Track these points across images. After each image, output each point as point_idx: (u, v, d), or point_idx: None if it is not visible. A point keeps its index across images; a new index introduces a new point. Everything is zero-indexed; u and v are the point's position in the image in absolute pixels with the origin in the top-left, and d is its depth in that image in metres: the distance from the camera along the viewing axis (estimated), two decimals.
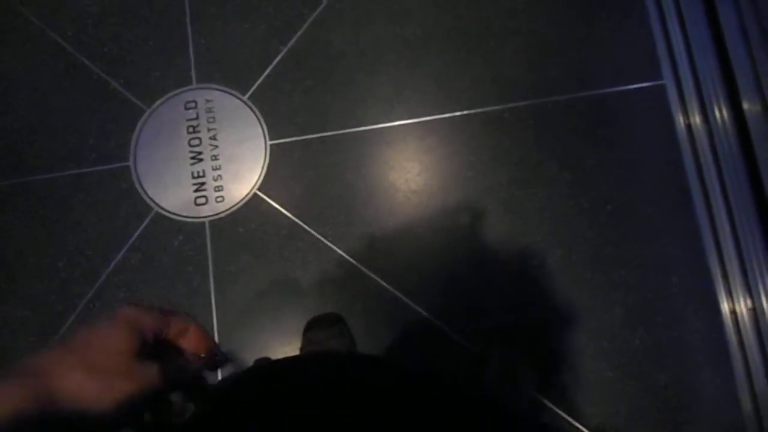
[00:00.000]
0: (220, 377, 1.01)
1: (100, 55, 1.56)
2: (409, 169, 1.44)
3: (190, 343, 0.44)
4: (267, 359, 0.93)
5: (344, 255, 1.40)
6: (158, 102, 1.52)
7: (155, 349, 0.41)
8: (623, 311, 1.33)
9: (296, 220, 1.43)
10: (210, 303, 1.41)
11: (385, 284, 1.38)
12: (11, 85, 1.58)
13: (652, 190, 1.38)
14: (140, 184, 1.48)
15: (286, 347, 1.37)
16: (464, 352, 1.33)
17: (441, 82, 1.47)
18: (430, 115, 1.45)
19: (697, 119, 1.40)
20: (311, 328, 1.30)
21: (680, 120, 1.41)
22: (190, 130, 1.50)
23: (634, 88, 1.43)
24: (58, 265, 1.47)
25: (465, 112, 1.45)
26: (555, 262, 1.36)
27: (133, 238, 1.46)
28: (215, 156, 1.48)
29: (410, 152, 1.45)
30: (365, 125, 1.46)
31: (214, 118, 1.50)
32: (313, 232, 1.42)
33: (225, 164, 1.48)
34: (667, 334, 1.32)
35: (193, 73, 1.53)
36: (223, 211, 1.45)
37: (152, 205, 1.47)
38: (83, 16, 1.59)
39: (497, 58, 1.48)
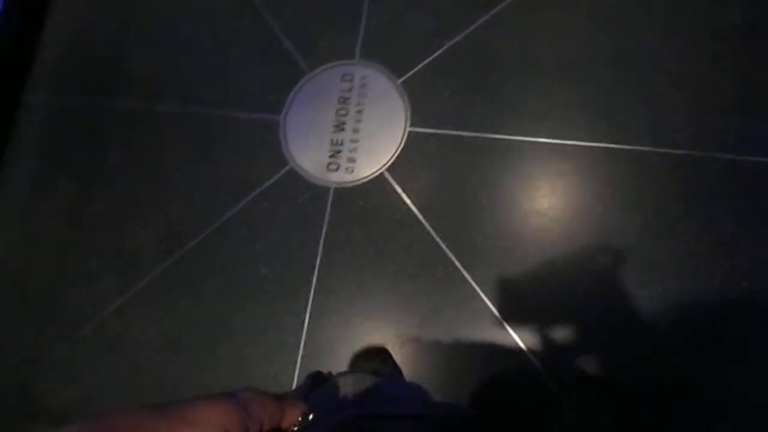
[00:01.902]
0: None
1: (281, 16, 1.74)
2: (537, 188, 1.46)
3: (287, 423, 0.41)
4: (318, 374, 1.02)
5: (449, 254, 1.46)
6: (320, 68, 1.68)
7: None
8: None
9: (413, 208, 1.51)
10: (315, 263, 1.53)
11: (483, 296, 1.42)
12: (196, 28, 1.80)
13: None
14: (284, 139, 1.64)
15: (368, 323, 1.46)
16: (540, 388, 1.33)
17: (592, 111, 1.48)
18: (572, 140, 1.47)
19: None
20: (357, 360, 1.37)
21: None
22: (341, 100, 1.63)
23: None
24: (194, 193, 1.66)
25: (610, 145, 1.45)
26: (670, 322, 1.32)
27: (265, 186, 1.62)
28: (356, 129, 1.61)
29: (543, 172, 1.47)
30: (504, 134, 1.51)
31: (365, 94, 1.62)
32: (425, 224, 1.49)
33: (363, 139, 1.59)
34: None
35: (357, 49, 1.67)
36: (350, 182, 1.57)
37: (289, 160, 1.62)
38: None
39: (658, 99, 1.45)
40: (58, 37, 1.90)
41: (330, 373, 0.92)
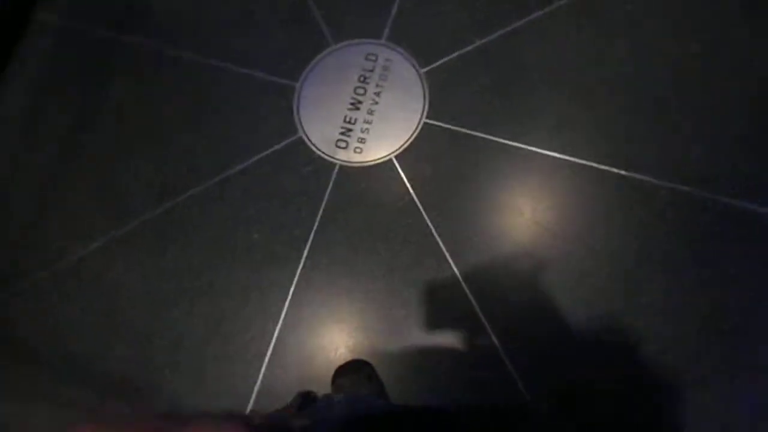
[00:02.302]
0: None
1: None
2: (540, 200, 1.48)
3: None
4: (308, 393, 1.02)
5: (444, 251, 1.47)
6: (344, 43, 1.66)
7: None
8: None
9: (415, 198, 1.51)
10: (308, 237, 1.53)
11: (470, 295, 1.43)
12: None
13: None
14: (297, 107, 1.63)
15: (353, 305, 1.46)
16: (515, 394, 1.36)
17: (609, 134, 1.50)
18: (584, 159, 1.49)
19: None
20: (339, 375, 1.38)
21: None
22: (361, 79, 1.62)
23: None
24: (196, 146, 1.64)
25: (620, 171, 1.47)
26: (652, 352, 1.35)
27: (270, 151, 1.61)
28: (371, 111, 1.60)
29: (548, 185, 1.49)
30: (518, 142, 1.52)
31: (386, 76, 1.62)
32: (425, 216, 1.50)
33: (377, 122, 1.59)
34: None
35: (386, 31, 1.66)
36: (357, 162, 1.56)
37: (299, 128, 1.61)
38: None
39: (677, 134, 1.48)
40: None
41: (322, 395, 0.94)
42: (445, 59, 1.60)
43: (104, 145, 1.65)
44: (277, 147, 1.60)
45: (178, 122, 1.65)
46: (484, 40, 1.60)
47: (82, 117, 1.69)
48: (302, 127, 1.60)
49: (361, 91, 1.60)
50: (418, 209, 1.50)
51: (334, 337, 1.43)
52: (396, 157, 1.55)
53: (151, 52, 1.71)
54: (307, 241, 1.52)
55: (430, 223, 1.49)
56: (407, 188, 1.52)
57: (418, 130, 1.55)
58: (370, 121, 1.58)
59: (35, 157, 1.67)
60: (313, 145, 1.58)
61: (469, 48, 1.60)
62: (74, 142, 1.67)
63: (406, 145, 1.55)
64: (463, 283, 1.42)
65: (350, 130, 1.58)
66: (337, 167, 1.56)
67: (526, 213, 1.47)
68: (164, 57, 1.70)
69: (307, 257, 1.51)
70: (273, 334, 1.44)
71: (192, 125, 1.64)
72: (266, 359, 1.42)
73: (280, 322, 1.45)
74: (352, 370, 1.36)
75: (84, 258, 1.57)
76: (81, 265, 1.57)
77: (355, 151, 1.56)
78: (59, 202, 1.62)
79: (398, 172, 1.54)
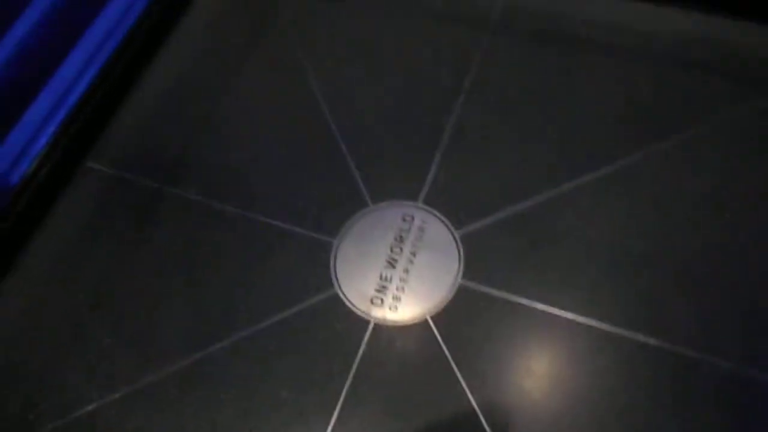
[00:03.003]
0: None
1: (356, 148, 1.85)
2: (577, 368, 1.49)
3: None
4: None
5: (481, 417, 1.45)
6: (383, 203, 1.76)
7: None
8: None
9: (451, 362, 1.51)
10: (339, 397, 1.51)
11: None
12: (272, 135, 1.93)
13: None
14: (333, 262, 1.68)
15: None
16: None
17: (646, 305, 1.58)
18: (621, 328, 1.53)
19: None
20: None
21: None
22: (397, 238, 1.69)
23: None
24: (231, 296, 1.67)
25: (659, 343, 1.49)
26: None
27: (305, 305, 1.63)
28: (407, 270, 1.65)
29: (586, 355, 1.54)
30: (553, 307, 1.57)
31: (421, 237, 1.69)
32: (462, 380, 1.49)
33: (412, 281, 1.63)
34: None
35: (422, 194, 1.76)
36: (392, 321, 1.58)
37: (335, 284, 1.65)
38: (355, 112, 1.93)
39: (717, 307, 1.52)
40: (135, 112, 2.00)
41: None
42: (480, 223, 1.68)
43: (140, 292, 1.67)
44: (311, 301, 1.63)
45: (214, 272, 1.69)
46: (518, 207, 1.69)
47: (119, 261, 1.73)
48: (338, 282, 1.64)
49: (398, 250, 1.66)
50: (454, 372, 1.50)
51: None
52: (431, 317, 1.57)
53: (194, 204, 1.79)
54: (338, 400, 1.49)
55: (466, 388, 1.47)
56: (442, 349, 1.52)
57: (454, 292, 1.59)
58: (406, 280, 1.62)
59: (66, 294, 1.68)
60: (348, 301, 1.61)
61: (503, 214, 1.68)
62: (111, 285, 1.69)
63: (442, 306, 1.58)
64: None
65: (385, 287, 1.62)
66: (371, 324, 1.58)
67: (568, 381, 1.46)
68: (206, 208, 1.78)
69: (337, 418, 1.48)
70: None
71: (229, 276, 1.68)
72: None
73: None
74: None
75: (101, 408, 1.53)
76: (97, 415, 1.52)
77: (390, 309, 1.59)
78: (87, 344, 1.61)
79: (433, 333, 1.55)
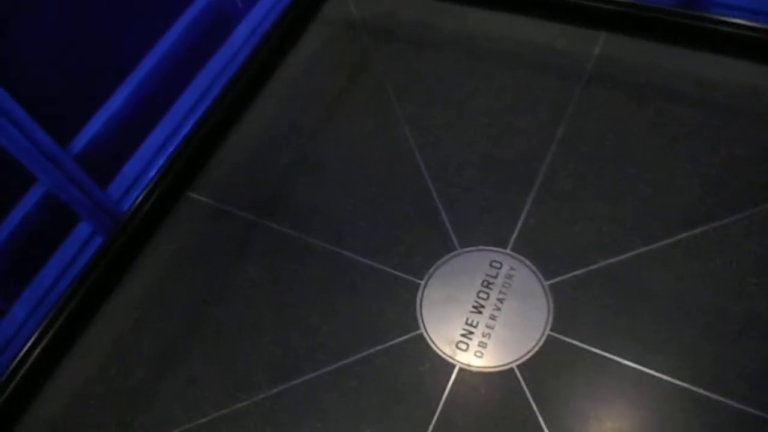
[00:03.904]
0: None
1: (446, 192, 1.91)
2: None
3: None
4: None
5: None
6: (471, 248, 1.78)
7: None
8: None
9: (538, 414, 1.50)
10: None
11: None
12: (365, 175, 2.01)
13: None
14: (420, 304, 1.71)
15: None
16: None
17: (738, 371, 1.52)
18: (714, 394, 1.47)
19: None
20: None
21: None
22: (485, 284, 1.71)
23: None
24: (317, 331, 1.72)
25: (754, 411, 1.43)
26: None
27: (390, 344, 1.66)
28: (493, 317, 1.66)
29: (676, 418, 1.50)
30: (643, 366, 1.56)
31: (509, 284, 1.70)
32: (545, 429, 1.47)
33: (499, 328, 1.63)
34: None
35: (511, 240, 1.78)
36: (477, 367, 1.59)
37: (420, 325, 1.67)
38: (445, 157, 1.99)
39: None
40: (236, 148, 2.13)
41: None
42: (570, 275, 1.67)
43: (231, 320, 1.75)
44: (396, 341, 1.66)
45: (303, 307, 1.75)
46: (609, 261, 1.68)
47: (214, 290, 1.82)
48: (423, 324, 1.66)
49: (484, 296, 1.68)
50: (540, 425, 1.49)
51: None
52: (518, 366, 1.56)
53: (289, 238, 1.87)
54: None
55: None
56: (529, 401, 1.51)
57: (541, 342, 1.59)
58: (492, 327, 1.63)
59: (161, 320, 1.78)
60: (434, 343, 1.63)
61: (595, 267, 1.68)
62: (203, 312, 1.78)
63: (528, 356, 1.57)
64: None
65: (471, 333, 1.63)
66: (456, 369, 1.59)
67: None
68: (300, 244, 1.85)
69: None
70: None
71: (317, 311, 1.74)
72: None
73: None
74: None
75: (190, 431, 1.59)
76: None
77: (475, 355, 1.59)
78: (179, 368, 1.68)
79: (520, 383, 1.54)
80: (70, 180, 1.61)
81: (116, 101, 1.79)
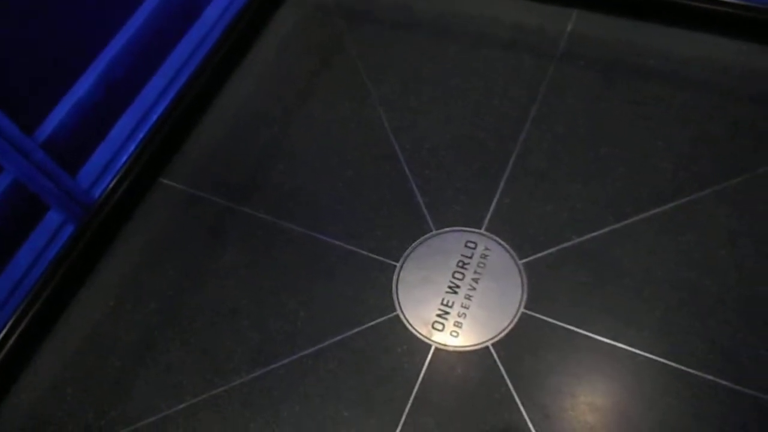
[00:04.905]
0: None
1: (421, 174, 1.93)
2: (648, 407, 1.49)
3: None
4: None
5: None
6: (446, 229, 1.80)
7: None
8: None
9: (513, 390, 1.53)
10: (399, 419, 1.53)
11: None
12: (342, 160, 2.02)
13: None
14: (396, 286, 1.72)
15: None
16: None
17: (716, 343, 1.56)
18: (690, 368, 1.51)
19: None
20: None
21: None
22: (460, 264, 1.73)
23: None
24: (296, 315, 1.73)
25: (729, 384, 1.46)
26: None
27: (366, 326, 1.68)
28: (469, 296, 1.68)
29: (655, 392, 1.54)
30: (618, 342, 1.58)
31: (484, 264, 1.72)
32: (524, 412, 1.50)
33: (473, 308, 1.66)
34: None
35: (486, 221, 1.79)
36: (453, 346, 1.61)
37: (396, 307, 1.69)
38: (420, 139, 2.00)
39: None
40: (208, 133, 2.11)
41: None
42: (544, 253, 1.69)
43: (208, 307, 1.75)
44: (373, 322, 1.67)
45: (281, 291, 1.76)
46: (583, 238, 1.70)
47: (188, 277, 1.82)
48: (400, 305, 1.68)
49: (460, 276, 1.70)
50: (515, 402, 1.51)
51: None
52: (493, 344, 1.59)
53: (264, 223, 1.87)
54: (398, 423, 1.52)
55: (528, 419, 1.48)
56: (504, 379, 1.54)
57: (516, 320, 1.61)
58: (468, 306, 1.65)
59: (138, 308, 1.78)
60: (410, 324, 1.65)
61: (567, 244, 1.70)
62: (179, 299, 1.78)
63: (503, 334, 1.60)
64: None
65: (447, 313, 1.65)
66: (432, 349, 1.61)
67: (633, 418, 1.45)
68: (276, 228, 1.85)
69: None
70: None
71: (294, 295, 1.74)
72: None
73: None
74: None
75: (167, 418, 1.60)
76: (164, 424, 1.59)
77: (451, 335, 1.61)
78: (156, 355, 1.69)
79: (495, 361, 1.57)
80: (38, 168, 1.59)
81: (82, 87, 1.76)
